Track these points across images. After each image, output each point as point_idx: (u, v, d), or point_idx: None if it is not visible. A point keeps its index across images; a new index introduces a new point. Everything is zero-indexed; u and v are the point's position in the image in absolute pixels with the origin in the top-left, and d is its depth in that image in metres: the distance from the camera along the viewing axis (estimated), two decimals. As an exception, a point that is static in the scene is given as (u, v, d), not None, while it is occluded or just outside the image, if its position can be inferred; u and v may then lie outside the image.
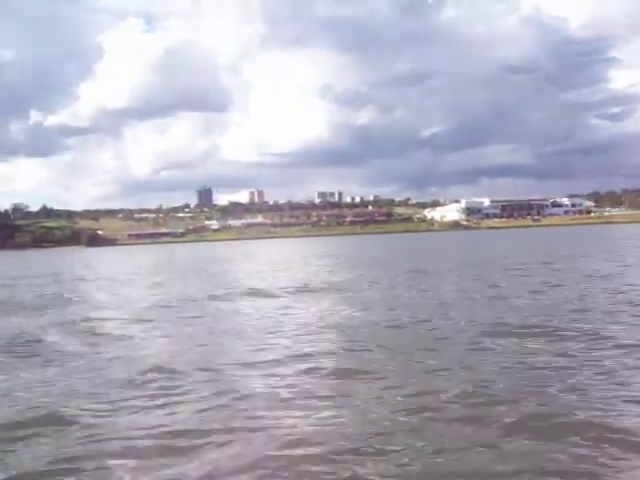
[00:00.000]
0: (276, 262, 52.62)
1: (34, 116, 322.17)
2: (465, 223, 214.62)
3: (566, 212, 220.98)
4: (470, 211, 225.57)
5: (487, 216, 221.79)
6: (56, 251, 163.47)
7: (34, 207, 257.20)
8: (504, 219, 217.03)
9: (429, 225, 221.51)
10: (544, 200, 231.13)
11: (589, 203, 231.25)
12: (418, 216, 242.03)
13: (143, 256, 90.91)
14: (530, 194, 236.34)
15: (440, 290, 23.49)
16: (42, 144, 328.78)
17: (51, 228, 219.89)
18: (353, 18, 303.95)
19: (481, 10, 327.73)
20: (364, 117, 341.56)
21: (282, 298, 22.36)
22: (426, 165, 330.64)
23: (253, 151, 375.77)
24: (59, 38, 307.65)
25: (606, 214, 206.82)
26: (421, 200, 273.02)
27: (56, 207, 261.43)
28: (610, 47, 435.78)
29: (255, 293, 24.10)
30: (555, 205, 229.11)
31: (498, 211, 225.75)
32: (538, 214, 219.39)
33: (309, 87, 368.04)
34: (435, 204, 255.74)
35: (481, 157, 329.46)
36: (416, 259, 49.36)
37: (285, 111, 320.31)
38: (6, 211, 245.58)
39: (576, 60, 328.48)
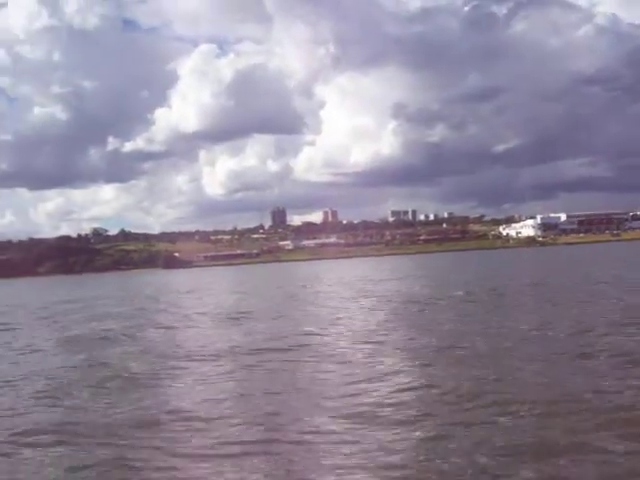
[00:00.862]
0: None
1: (112, 143, 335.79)
2: (541, 239, 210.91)
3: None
4: (546, 227, 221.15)
5: (564, 232, 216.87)
6: (134, 273, 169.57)
7: (113, 231, 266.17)
8: (582, 234, 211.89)
9: (504, 242, 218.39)
10: (624, 214, 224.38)
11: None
12: (493, 233, 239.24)
13: (212, 276, 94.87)
14: (609, 208, 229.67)
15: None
16: (120, 170, 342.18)
17: (129, 251, 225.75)
18: (422, 35, 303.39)
19: (553, 22, 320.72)
20: (436, 134, 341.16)
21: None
22: (500, 181, 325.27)
23: (326, 171, 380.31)
24: (136, 67, 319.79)
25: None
26: (496, 217, 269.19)
27: (134, 230, 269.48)
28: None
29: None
30: (636, 218, 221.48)
31: (575, 226, 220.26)
32: (617, 228, 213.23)
33: (381, 106, 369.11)
34: (510, 220, 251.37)
35: (557, 171, 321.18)
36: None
37: (358, 131, 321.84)
38: (86, 235, 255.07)
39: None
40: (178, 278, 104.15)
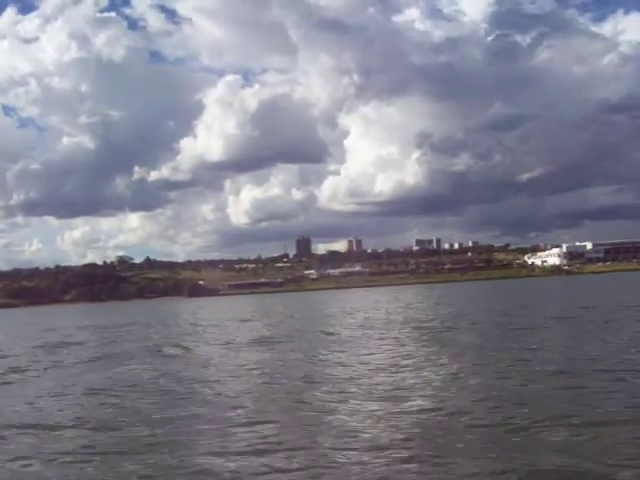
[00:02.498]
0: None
1: (138, 172, 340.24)
2: (567, 268, 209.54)
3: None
4: (572, 256, 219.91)
5: (590, 260, 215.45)
6: (159, 301, 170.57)
7: (138, 259, 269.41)
8: (608, 263, 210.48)
9: (529, 271, 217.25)
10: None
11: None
12: (518, 262, 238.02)
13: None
14: (636, 236, 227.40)
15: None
16: (145, 198, 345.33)
17: (154, 279, 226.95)
18: (447, 65, 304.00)
19: (577, 51, 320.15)
20: (461, 163, 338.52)
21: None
22: (525, 210, 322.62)
23: (350, 200, 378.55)
24: (162, 97, 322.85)
25: None
26: (521, 245, 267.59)
27: (159, 259, 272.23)
28: None
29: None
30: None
31: (602, 255, 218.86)
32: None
33: (405, 135, 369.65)
34: (535, 249, 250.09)
35: (583, 199, 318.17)
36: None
37: (382, 160, 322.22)
38: (112, 263, 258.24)
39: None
40: (198, 306, 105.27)
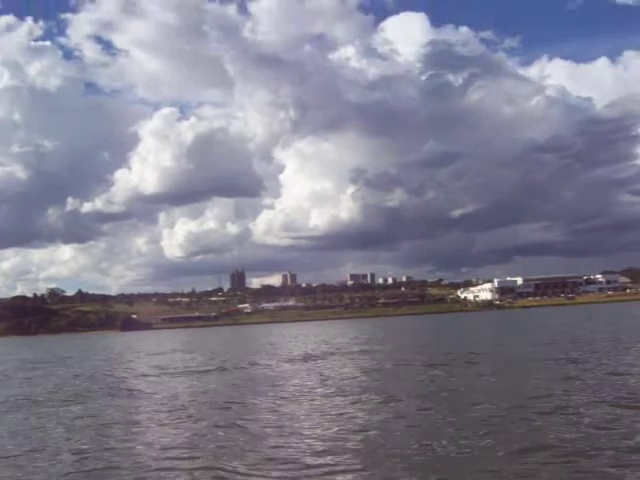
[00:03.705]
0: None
1: (71, 203, 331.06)
2: (498, 303, 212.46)
3: (601, 289, 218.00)
4: (503, 290, 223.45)
5: (520, 295, 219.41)
6: (90, 335, 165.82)
7: (70, 292, 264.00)
8: (538, 298, 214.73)
9: (462, 306, 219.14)
10: (578, 277, 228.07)
11: (624, 279, 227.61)
12: (451, 296, 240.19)
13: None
14: (564, 271, 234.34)
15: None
16: (78, 230, 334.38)
17: (86, 312, 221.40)
18: (381, 102, 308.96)
19: (507, 92, 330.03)
20: (395, 199, 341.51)
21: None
22: (458, 245, 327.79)
23: (285, 235, 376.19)
24: (97, 128, 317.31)
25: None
26: (454, 280, 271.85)
27: (91, 291, 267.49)
28: (636, 125, 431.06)
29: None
30: (589, 282, 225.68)
31: (532, 290, 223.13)
32: (572, 292, 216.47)
33: (340, 171, 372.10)
34: (468, 284, 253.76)
35: (513, 236, 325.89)
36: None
37: (317, 195, 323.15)
38: (42, 295, 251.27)
39: (603, 138, 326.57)
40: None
